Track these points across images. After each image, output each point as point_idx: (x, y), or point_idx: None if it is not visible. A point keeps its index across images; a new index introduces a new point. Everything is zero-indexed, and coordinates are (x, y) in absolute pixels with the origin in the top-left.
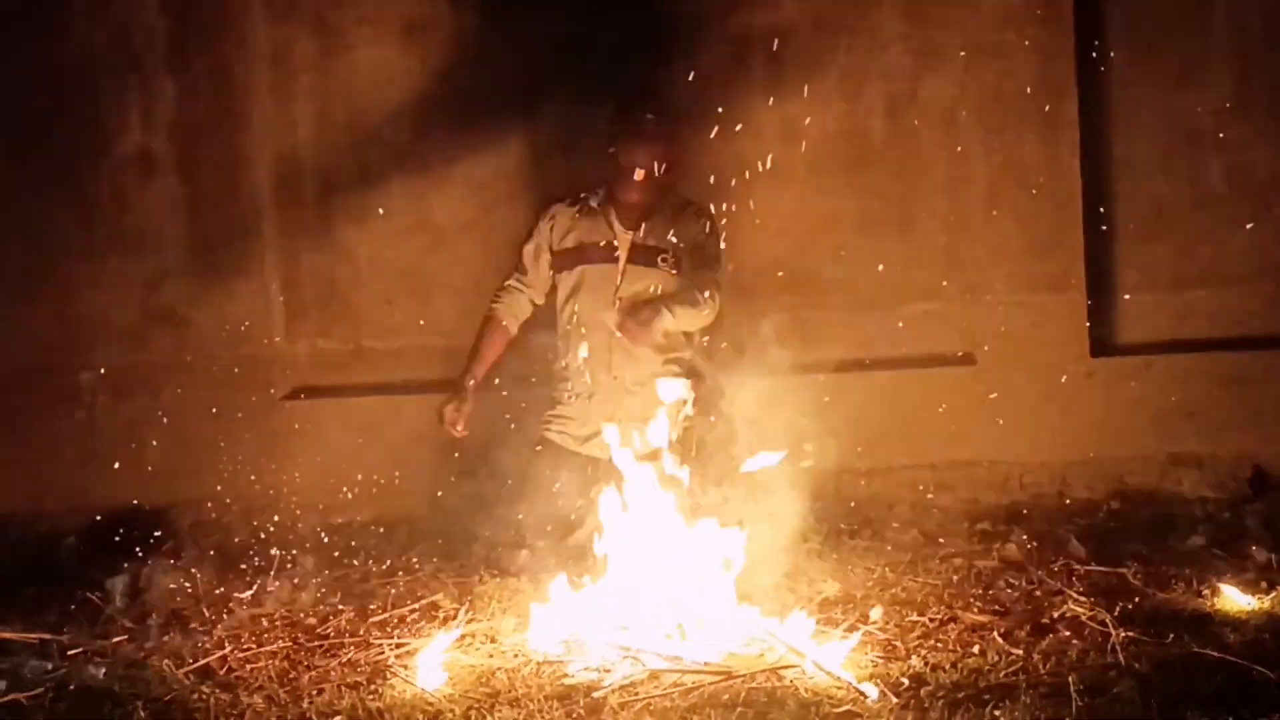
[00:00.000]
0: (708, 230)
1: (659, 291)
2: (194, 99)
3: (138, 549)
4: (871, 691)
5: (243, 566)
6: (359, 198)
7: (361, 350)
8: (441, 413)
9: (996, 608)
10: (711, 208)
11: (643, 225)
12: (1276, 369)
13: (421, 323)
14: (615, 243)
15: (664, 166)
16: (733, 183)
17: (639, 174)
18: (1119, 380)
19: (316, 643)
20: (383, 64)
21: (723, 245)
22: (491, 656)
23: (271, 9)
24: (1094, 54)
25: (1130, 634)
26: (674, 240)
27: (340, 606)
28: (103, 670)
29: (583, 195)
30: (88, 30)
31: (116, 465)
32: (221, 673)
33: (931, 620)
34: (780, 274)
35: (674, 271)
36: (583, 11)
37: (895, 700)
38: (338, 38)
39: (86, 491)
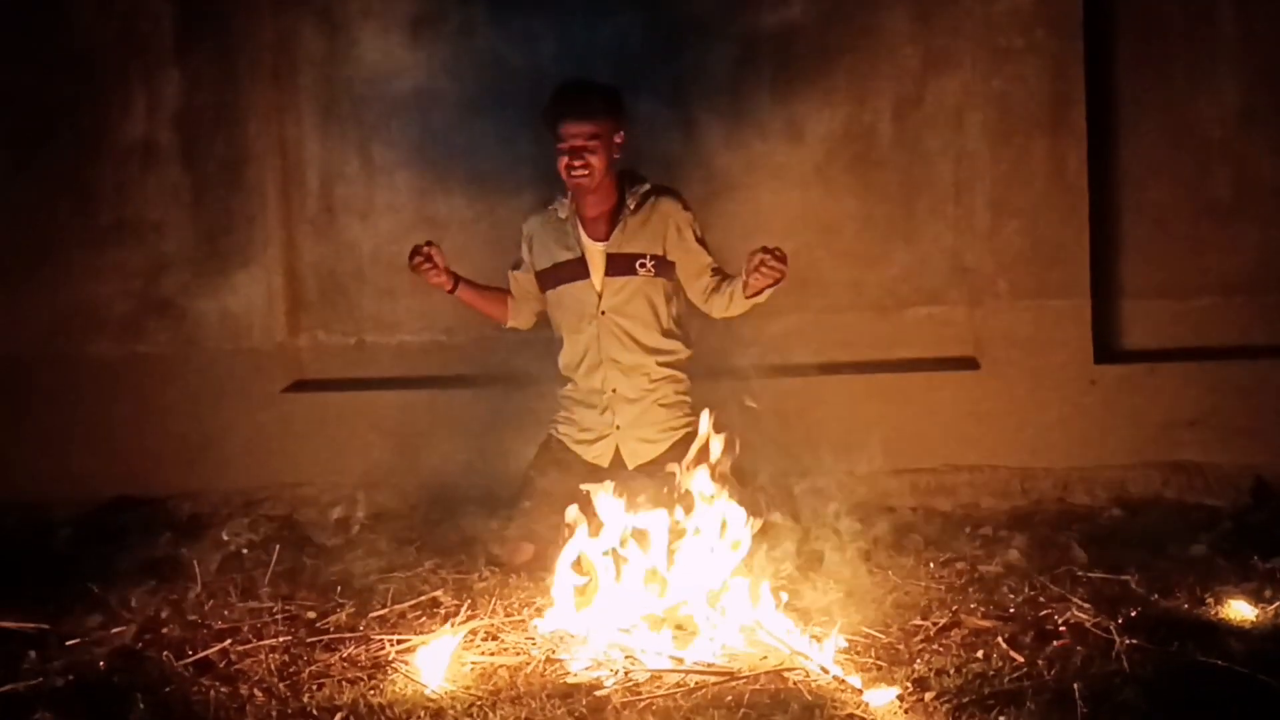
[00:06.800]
0: (695, 235)
1: (644, 295)
2: (198, 89)
3: (136, 539)
4: (883, 697)
5: (242, 559)
6: (362, 191)
7: (362, 344)
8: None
9: (1000, 613)
10: (682, 197)
11: (611, 233)
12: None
13: (423, 318)
14: (585, 257)
15: (608, 150)
16: (738, 183)
17: (578, 167)
18: (1122, 387)
19: (316, 637)
20: (388, 57)
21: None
22: (493, 654)
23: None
24: (1103, 60)
25: (1134, 641)
26: (654, 244)
27: (340, 601)
28: (101, 661)
29: (552, 206)
30: (93, 18)
31: (115, 455)
32: (221, 666)
33: (934, 624)
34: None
35: (655, 274)
36: (589, 8)
37: (899, 704)
38: (344, 30)
39: (85, 481)
